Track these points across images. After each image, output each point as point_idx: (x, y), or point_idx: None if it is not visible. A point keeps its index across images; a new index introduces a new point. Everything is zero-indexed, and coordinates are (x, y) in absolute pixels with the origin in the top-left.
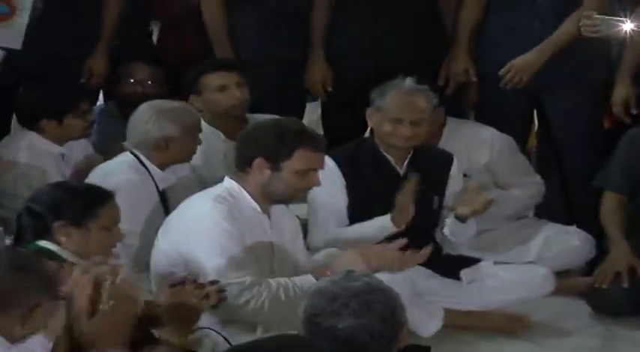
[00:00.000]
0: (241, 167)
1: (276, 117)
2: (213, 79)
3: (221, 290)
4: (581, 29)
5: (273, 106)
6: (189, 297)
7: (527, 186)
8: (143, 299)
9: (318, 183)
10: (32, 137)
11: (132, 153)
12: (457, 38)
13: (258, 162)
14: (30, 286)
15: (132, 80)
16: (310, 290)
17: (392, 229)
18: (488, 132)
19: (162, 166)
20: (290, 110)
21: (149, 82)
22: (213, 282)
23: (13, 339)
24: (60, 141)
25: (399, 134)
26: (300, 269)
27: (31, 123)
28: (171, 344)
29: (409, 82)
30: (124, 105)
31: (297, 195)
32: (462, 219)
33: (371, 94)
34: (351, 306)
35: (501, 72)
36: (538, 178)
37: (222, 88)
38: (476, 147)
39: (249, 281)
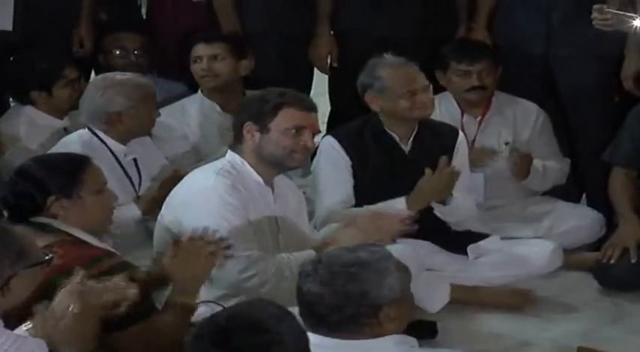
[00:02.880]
0: (237, 137)
1: None
2: (193, 51)
3: (227, 247)
4: (593, 22)
5: (280, 81)
6: (197, 252)
7: (560, 162)
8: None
9: (310, 144)
10: (31, 112)
11: (89, 128)
12: (477, 11)
13: (247, 126)
14: (2, 260)
15: (120, 50)
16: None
17: (405, 212)
18: (533, 108)
19: (122, 140)
20: (296, 85)
21: (138, 51)
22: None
23: None
24: (58, 113)
25: (418, 104)
26: (306, 244)
27: (22, 96)
28: (179, 306)
29: (390, 56)
30: None
31: (291, 156)
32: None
33: (360, 82)
34: (319, 273)
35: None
36: (566, 158)
37: (195, 59)
38: (522, 120)
39: (256, 256)
